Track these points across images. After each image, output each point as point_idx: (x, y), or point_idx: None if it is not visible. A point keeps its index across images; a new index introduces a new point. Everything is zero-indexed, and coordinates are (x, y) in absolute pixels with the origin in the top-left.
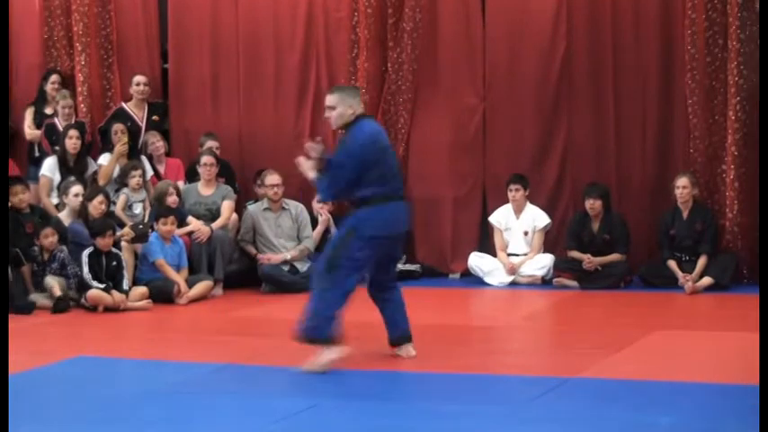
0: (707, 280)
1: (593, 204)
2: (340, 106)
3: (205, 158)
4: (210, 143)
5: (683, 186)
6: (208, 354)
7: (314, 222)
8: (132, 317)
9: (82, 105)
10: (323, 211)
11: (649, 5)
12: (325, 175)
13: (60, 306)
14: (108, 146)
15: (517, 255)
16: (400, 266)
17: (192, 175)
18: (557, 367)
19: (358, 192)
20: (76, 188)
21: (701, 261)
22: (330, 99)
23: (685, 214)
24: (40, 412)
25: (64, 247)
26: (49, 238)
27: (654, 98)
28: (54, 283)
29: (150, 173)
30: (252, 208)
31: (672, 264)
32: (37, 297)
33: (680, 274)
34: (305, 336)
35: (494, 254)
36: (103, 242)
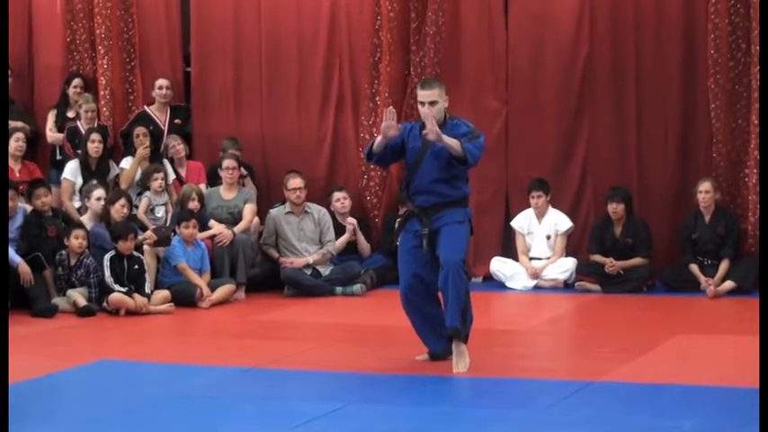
0: (729, 284)
1: (615, 208)
2: (441, 100)
3: (227, 162)
4: (233, 151)
5: (705, 191)
6: (230, 357)
7: (336, 228)
8: (154, 320)
9: (104, 109)
10: (349, 224)
11: (672, 10)
12: (470, 143)
13: (85, 310)
14: (130, 149)
15: (540, 259)
16: None
17: (213, 179)
18: (579, 371)
19: (465, 188)
20: (99, 192)
21: (724, 265)
22: (431, 94)
23: (707, 218)
24: (62, 416)
25: (91, 255)
26: (79, 239)
27: (676, 102)
28: (77, 295)
29: (172, 176)
30: (274, 211)
31: (694, 268)
32: (60, 301)
33: (702, 278)
34: (467, 333)
35: (516, 258)
36: (125, 245)
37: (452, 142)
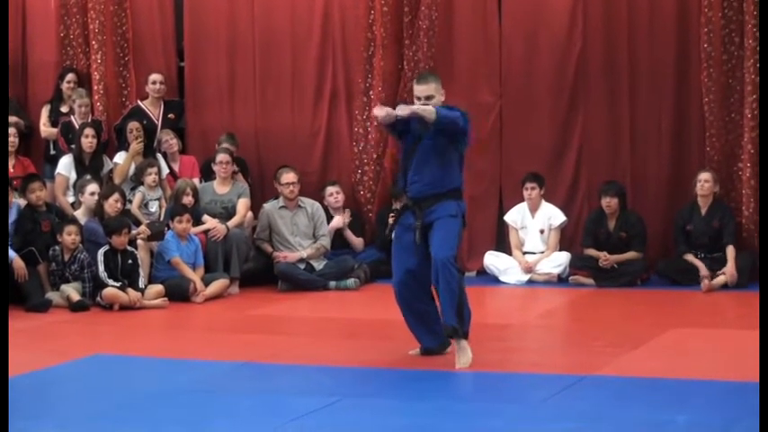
0: (723, 278)
1: (609, 202)
2: (437, 95)
3: (220, 156)
4: (227, 146)
5: (705, 180)
6: (225, 352)
7: (329, 222)
8: (148, 315)
9: (98, 104)
10: (340, 217)
11: (665, 3)
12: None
13: (78, 305)
14: (124, 144)
15: (533, 253)
16: None
17: (207, 173)
18: (573, 365)
19: (460, 179)
20: (92, 186)
21: (729, 251)
22: (427, 89)
23: (704, 210)
24: (56, 411)
25: (84, 251)
26: (71, 235)
27: (669, 96)
28: (71, 290)
29: (166, 171)
30: (268, 206)
31: (689, 257)
32: (53, 295)
33: (699, 264)
34: (466, 329)
35: (510, 252)
36: (119, 240)
37: (425, 109)
